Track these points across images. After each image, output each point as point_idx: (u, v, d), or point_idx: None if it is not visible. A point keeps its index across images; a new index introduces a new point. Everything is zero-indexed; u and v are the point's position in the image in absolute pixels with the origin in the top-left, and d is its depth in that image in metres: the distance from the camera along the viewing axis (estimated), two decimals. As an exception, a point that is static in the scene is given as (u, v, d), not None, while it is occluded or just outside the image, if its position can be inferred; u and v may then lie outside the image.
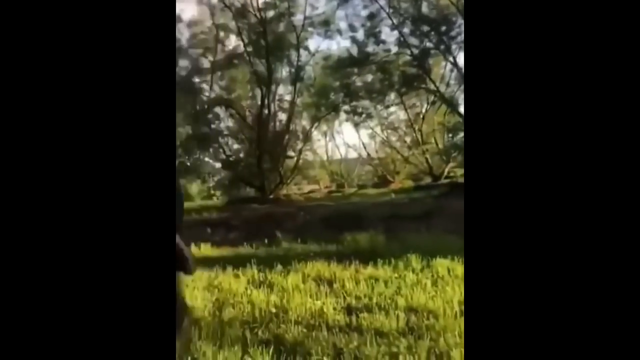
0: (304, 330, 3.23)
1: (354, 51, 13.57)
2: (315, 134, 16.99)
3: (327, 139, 20.01)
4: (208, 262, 5.41)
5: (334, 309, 3.63)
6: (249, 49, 12.84)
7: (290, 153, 14.43)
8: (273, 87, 13.31)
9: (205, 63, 13.84)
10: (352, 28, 13.52)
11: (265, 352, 2.81)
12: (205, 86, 13.87)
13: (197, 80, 13.74)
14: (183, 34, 13.49)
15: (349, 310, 3.61)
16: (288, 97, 14.19)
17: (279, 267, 5.09)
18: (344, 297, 3.95)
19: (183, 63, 13.68)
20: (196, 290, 4.24)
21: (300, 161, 14.64)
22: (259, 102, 13.51)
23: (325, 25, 13.55)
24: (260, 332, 3.20)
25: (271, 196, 12.34)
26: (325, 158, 19.31)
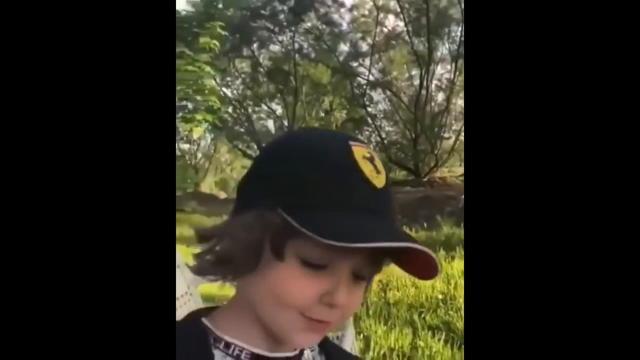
0: (476, 321, 3.05)
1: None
2: (475, 113, 15.84)
3: (487, 118, 18.45)
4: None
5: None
6: (409, 27, 12.55)
7: (446, 135, 13.79)
8: (432, 66, 12.81)
9: (364, 46, 14.06)
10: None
11: (437, 339, 2.74)
12: (362, 69, 14.13)
13: (354, 64, 14.07)
14: (344, 18, 13.88)
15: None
16: (447, 76, 13.52)
17: (442, 252, 4.92)
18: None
19: (343, 48, 14.14)
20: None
21: (457, 142, 13.88)
22: (416, 83, 13.18)
23: (492, -7, 12.32)
24: (428, 317, 3.14)
25: (425, 179, 12.01)
26: (484, 139, 17.96)
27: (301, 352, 0.52)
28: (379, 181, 0.44)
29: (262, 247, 0.44)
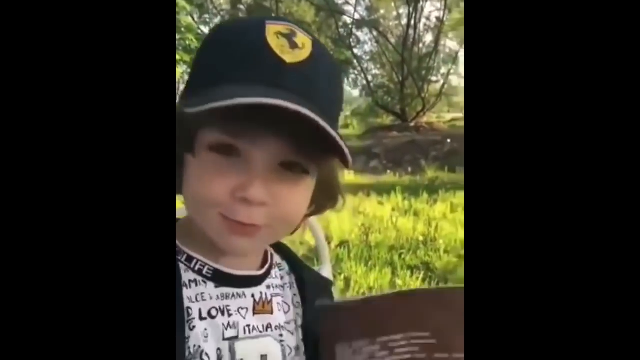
0: (455, 259, 3.13)
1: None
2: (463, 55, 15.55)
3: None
4: (351, 189, 5.53)
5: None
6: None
7: (434, 78, 13.54)
8: (420, 3, 12.27)
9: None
10: None
11: (415, 277, 2.81)
12: (348, 7, 13.50)
13: (340, 1, 13.42)
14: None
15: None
16: (436, 14, 13.03)
17: (425, 195, 4.97)
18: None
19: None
20: (343, 214, 4.40)
21: (445, 86, 13.67)
22: (404, 22, 12.69)
23: None
24: (407, 258, 3.20)
25: (412, 124, 11.91)
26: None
27: (268, 272, 0.50)
28: (292, 56, 0.40)
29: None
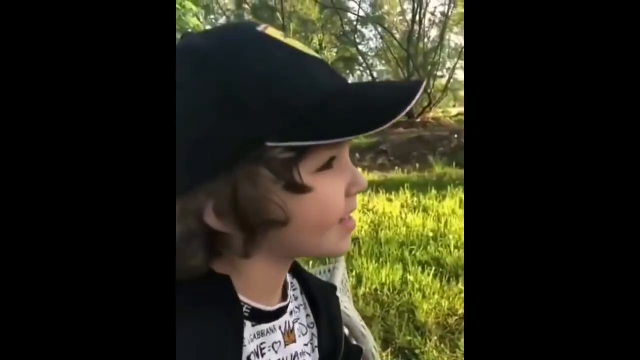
0: (465, 256, 3.14)
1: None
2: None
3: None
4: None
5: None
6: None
7: (439, 73, 13.48)
8: (425, -1, 12.23)
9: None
10: None
11: (427, 273, 2.83)
12: (353, 4, 13.48)
13: (344, -1, 13.40)
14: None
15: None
16: (441, 9, 12.95)
17: (433, 192, 4.98)
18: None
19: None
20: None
21: (451, 81, 13.61)
22: (409, 18, 12.64)
23: None
24: (418, 254, 3.22)
25: (418, 120, 11.89)
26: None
27: (288, 296, 0.50)
28: (312, 50, 0.41)
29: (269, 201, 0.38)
